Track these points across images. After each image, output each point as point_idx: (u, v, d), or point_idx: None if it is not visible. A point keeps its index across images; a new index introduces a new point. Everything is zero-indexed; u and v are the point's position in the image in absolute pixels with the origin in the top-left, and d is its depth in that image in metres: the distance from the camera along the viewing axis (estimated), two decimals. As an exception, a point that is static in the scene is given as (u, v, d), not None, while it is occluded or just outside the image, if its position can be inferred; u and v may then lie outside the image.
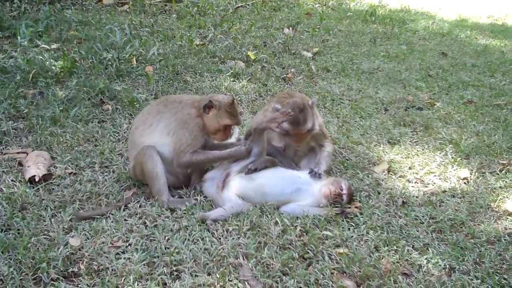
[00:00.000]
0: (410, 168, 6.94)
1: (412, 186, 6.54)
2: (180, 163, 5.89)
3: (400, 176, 6.72)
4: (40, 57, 8.97)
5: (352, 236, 5.35)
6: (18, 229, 5.18)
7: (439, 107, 9.38)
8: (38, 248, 4.87)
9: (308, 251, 5.08)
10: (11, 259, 4.72)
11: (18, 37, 9.71)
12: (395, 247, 5.25)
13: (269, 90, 9.51)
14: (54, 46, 9.93)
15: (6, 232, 5.14)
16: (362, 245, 5.25)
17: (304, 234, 5.35)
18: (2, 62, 8.70)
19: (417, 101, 9.56)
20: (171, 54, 10.44)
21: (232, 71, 10.03)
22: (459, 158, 7.23)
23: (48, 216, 5.44)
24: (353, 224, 5.58)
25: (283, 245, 5.16)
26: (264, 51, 11.53)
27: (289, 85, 9.96)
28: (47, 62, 8.86)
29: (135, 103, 8.12)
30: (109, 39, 10.07)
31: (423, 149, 7.52)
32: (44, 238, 5.05)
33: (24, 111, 7.49)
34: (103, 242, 5.06)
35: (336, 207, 5.81)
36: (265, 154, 6.08)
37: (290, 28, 13.48)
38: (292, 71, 10.67)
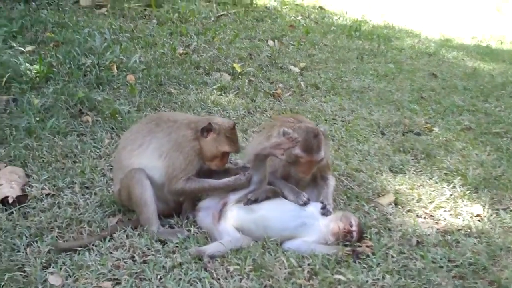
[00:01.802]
0: (417, 201, 6.43)
1: (422, 222, 6.00)
2: (171, 190, 5.28)
3: (408, 210, 6.19)
4: (14, 60, 8.28)
5: (367, 281, 4.78)
6: (-12, 262, 4.48)
7: (437, 133, 8.90)
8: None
9: (321, 298, 4.46)
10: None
11: (-10, 38, 8.97)
12: (415, 297, 4.65)
13: (258, 107, 8.96)
14: (29, 48, 9.30)
15: (-27, 264, 4.45)
16: (379, 293, 4.65)
17: (314, 276, 4.76)
18: (-28, 63, 7.94)
19: (414, 125, 9.08)
20: (154, 62, 9.85)
21: (218, 84, 9.44)
22: (468, 192, 6.73)
23: (23, 245, 4.80)
24: (366, 266, 5.02)
25: (292, 290, 4.54)
26: (250, 63, 11.01)
27: (279, 101, 9.41)
28: (22, 66, 8.20)
29: (117, 116, 7.48)
30: (88, 43, 9.48)
31: (428, 180, 7.02)
32: (20, 274, 4.38)
33: (-4, 120, 6.77)
34: (86, 281, 4.41)
35: (345, 245, 5.21)
36: (266, 183, 5.45)
37: (275, 40, 13.04)
38: (280, 87, 10.08)
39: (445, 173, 7.29)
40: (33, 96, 7.55)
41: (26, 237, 4.91)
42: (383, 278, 4.86)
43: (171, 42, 11.11)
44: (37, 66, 8.28)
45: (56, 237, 4.98)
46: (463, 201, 6.56)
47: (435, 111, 10.18)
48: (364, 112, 9.51)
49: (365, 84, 11.31)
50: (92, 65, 8.69)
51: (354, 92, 10.69)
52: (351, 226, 5.31)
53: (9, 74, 7.83)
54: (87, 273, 4.50)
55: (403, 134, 8.72)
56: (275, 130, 5.70)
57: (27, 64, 8.32)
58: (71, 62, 8.61)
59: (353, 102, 10.09)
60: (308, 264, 4.90)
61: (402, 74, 12.60)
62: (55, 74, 8.29)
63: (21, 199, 5.41)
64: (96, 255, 4.78)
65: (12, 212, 5.24)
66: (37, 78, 8.13)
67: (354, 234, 5.32)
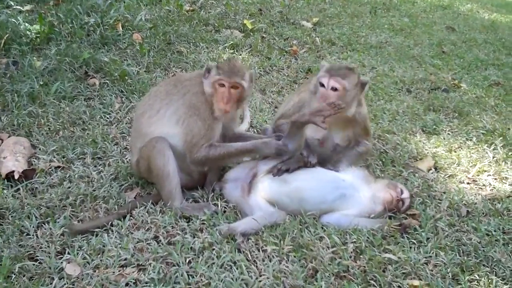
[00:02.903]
0: (458, 165, 5.88)
1: (466, 189, 5.46)
2: (194, 159, 4.72)
3: (449, 176, 5.68)
4: (12, 20, 7.64)
5: (419, 260, 4.22)
6: (-5, 248, 3.95)
7: (465, 89, 8.36)
8: (23, 280, 3.66)
9: (372, 282, 3.97)
10: (-13, 295, 3.51)
11: (-14, -5, 8.33)
12: (476, 276, 4.18)
13: (274, 65, 8.39)
14: (27, 7, 8.63)
15: (-22, 251, 3.92)
16: (435, 273, 4.12)
17: (360, 256, 4.21)
18: (-33, 24, 7.32)
19: (440, 82, 8.52)
20: (160, 20, 9.16)
21: (230, 41, 8.82)
22: (511, 153, 6.13)
23: (33, 227, 4.26)
24: (415, 242, 4.51)
25: (338, 273, 4.04)
26: (261, 19, 10.33)
27: (295, 59, 8.81)
28: (21, 26, 7.58)
29: (126, 78, 6.86)
30: (89, 0, 8.76)
31: (466, 141, 6.52)
32: (32, 263, 3.82)
33: (-4, 85, 6.20)
34: (107, 270, 3.85)
35: (389, 217, 4.69)
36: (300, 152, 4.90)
37: (284, -6, 12.29)
38: (295, 43, 9.47)
39: (483, 133, 6.77)
40: (34, 58, 6.98)
41: (36, 217, 4.38)
42: (436, 255, 4.35)
43: (176, -2, 10.42)
44: (37, 26, 7.68)
45: (70, 216, 4.45)
46: (506, 163, 6.06)
47: (459, 66, 9.69)
48: (385, 69, 8.96)
49: (382, 39, 10.74)
50: (96, 24, 8.06)
51: (372, 47, 10.13)
52: (402, 193, 4.83)
53: (7, 35, 7.24)
54: (107, 259, 3.98)
55: (430, 91, 8.19)
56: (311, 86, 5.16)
57: (26, 24, 7.72)
58: (73, 21, 7.99)
59: (372, 58, 9.54)
60: (353, 242, 4.36)
61: (418, 28, 12.08)
62: (56, 34, 7.67)
63: (27, 174, 4.87)
64: (115, 236, 4.25)
65: (18, 189, 4.71)
66: (38, 39, 7.54)
67: (407, 201, 4.86)
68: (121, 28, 8.34)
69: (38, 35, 7.53)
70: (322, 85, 4.95)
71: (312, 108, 4.75)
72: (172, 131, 4.73)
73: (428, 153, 6.12)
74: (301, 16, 11.14)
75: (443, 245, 4.46)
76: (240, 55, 8.52)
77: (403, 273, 4.11)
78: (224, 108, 4.68)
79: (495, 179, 5.73)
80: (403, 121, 6.89)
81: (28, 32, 7.51)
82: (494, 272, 4.27)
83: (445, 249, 4.41)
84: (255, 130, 6.12)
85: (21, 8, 8.26)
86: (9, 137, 5.40)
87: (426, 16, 13.32)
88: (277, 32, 9.93)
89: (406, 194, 4.85)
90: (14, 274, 3.71)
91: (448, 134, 6.65)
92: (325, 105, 4.64)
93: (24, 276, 3.74)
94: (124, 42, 7.95)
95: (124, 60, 7.50)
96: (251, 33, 9.50)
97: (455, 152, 6.21)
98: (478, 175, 5.78)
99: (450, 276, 4.14)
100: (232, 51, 8.66)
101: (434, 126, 6.81)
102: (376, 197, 4.78)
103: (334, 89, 4.90)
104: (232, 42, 8.81)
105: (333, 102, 4.62)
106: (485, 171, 5.86)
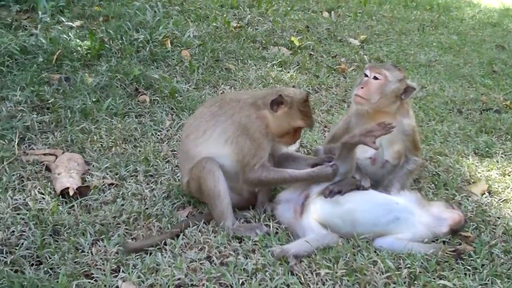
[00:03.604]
0: (512, 190, 5.74)
1: (520, 214, 5.34)
2: (247, 179, 4.70)
3: (503, 200, 5.57)
4: (64, 35, 7.76)
5: (474, 287, 4.12)
6: (52, 265, 3.98)
7: (518, 110, 8.14)
8: (81, 298, 3.69)
9: (428, 309, 3.89)
10: (45, 313, 3.53)
11: (39, 12, 8.46)
12: (533, 306, 4.04)
13: (323, 83, 8.37)
14: (77, 23, 8.76)
15: (36, 267, 3.98)
16: (491, 301, 4.05)
17: (414, 282, 4.15)
18: (21, 40, 7.47)
19: (491, 102, 8.37)
20: (208, 37, 9.19)
21: (278, 59, 8.83)
22: None
23: (88, 244, 4.29)
24: (470, 269, 4.42)
25: (393, 299, 3.96)
26: (308, 36, 10.32)
27: (344, 77, 8.77)
28: (73, 42, 7.69)
29: (176, 95, 6.90)
30: (138, 17, 8.87)
31: (519, 165, 6.31)
32: (88, 281, 3.84)
33: (50, 101, 6.35)
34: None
35: (443, 242, 4.63)
36: (352, 174, 4.87)
37: (331, 11, 12.31)
38: (343, 61, 9.44)
39: (538, 157, 6.61)
40: (86, 74, 7.06)
41: (91, 234, 4.41)
42: (492, 283, 4.26)
43: (224, 15, 10.46)
44: (88, 42, 7.78)
45: (124, 234, 4.48)
46: (561, 190, 5.90)
47: (511, 86, 9.47)
48: (435, 88, 8.85)
49: (431, 57, 10.64)
50: (145, 40, 8.15)
51: (421, 66, 10.06)
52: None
53: (59, 51, 7.34)
54: (161, 278, 3.97)
55: (481, 112, 8.06)
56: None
57: (77, 40, 7.83)
58: (123, 37, 8.09)
59: (421, 77, 9.44)
60: (407, 267, 4.29)
61: (467, 46, 11.92)
62: (106, 51, 7.76)
63: (82, 191, 4.92)
64: (169, 256, 4.26)
65: (73, 206, 4.75)
66: (88, 55, 7.64)
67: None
68: (170, 45, 8.42)
69: (89, 51, 7.62)
70: (366, 75, 5.00)
71: (363, 129, 4.73)
72: (221, 151, 4.73)
73: (481, 176, 6.02)
74: (349, 33, 11.14)
75: (499, 272, 4.37)
76: (288, 72, 8.51)
77: (459, 301, 4.03)
78: (289, 143, 4.92)
79: (551, 204, 5.59)
80: (454, 143, 6.80)
81: (79, 48, 7.61)
82: (552, 302, 4.16)
83: (501, 277, 4.32)
84: (305, 150, 6.09)
85: (72, 24, 8.38)
86: (63, 153, 5.44)
87: (475, 34, 13.12)
88: (325, 50, 9.93)
89: (462, 217, 4.78)
90: (71, 292, 3.73)
91: (502, 157, 6.53)
92: (375, 125, 4.62)
93: (79, 294, 3.75)
94: (173, 59, 8.01)
95: (174, 77, 7.56)
96: (299, 50, 9.52)
97: (509, 176, 6.10)
98: (532, 201, 5.65)
99: (507, 305, 4.04)
100: (280, 68, 8.64)
101: (487, 149, 6.70)
102: (442, 219, 4.73)
103: (376, 77, 4.91)
104: (280, 59, 8.82)
105: (383, 122, 4.60)
106: (540, 196, 5.73)
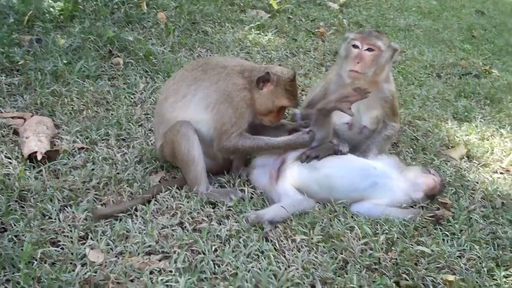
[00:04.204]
0: (491, 154, 5.72)
1: (499, 178, 5.30)
2: (222, 147, 4.57)
3: (483, 165, 5.51)
4: (36, -4, 7.50)
5: (453, 253, 4.07)
6: (17, 232, 3.83)
7: (496, 75, 8.09)
8: (45, 266, 3.54)
9: (405, 275, 3.82)
10: (8, 281, 3.40)
11: (9, -30, 8.17)
12: (512, 271, 3.97)
13: (301, 47, 8.24)
14: (50, -17, 8.43)
15: (0, 234, 3.79)
16: (469, 267, 3.97)
17: (392, 247, 4.05)
18: (-10, 0, 7.20)
19: (470, 67, 8.31)
20: (185, -1, 8.97)
21: (256, 22, 8.65)
22: (545, 143, 5.98)
23: (55, 211, 4.13)
24: (448, 234, 4.35)
25: (370, 265, 3.89)
26: (287, 0, 10.06)
27: (322, 41, 8.62)
28: (45, 3, 7.45)
29: (151, 57, 6.70)
30: (114, -23, 8.57)
31: (499, 129, 6.31)
32: (54, 249, 3.70)
33: (20, 63, 6.13)
34: (131, 256, 3.73)
35: (422, 208, 4.55)
36: (330, 140, 4.75)
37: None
38: (322, 25, 9.29)
39: (516, 121, 6.55)
40: (58, 36, 6.84)
41: (59, 200, 4.24)
42: (471, 249, 4.18)
43: (201, -24, 10.22)
44: (61, 3, 7.54)
45: (93, 200, 4.32)
46: (540, 153, 5.84)
47: (490, 51, 9.52)
48: (415, 53, 8.80)
49: (410, 22, 10.58)
50: (120, 1, 7.92)
51: (400, 30, 10.02)
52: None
53: (31, 12, 7.10)
54: (131, 246, 3.83)
55: (460, 77, 7.99)
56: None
57: (50, 0, 7.57)
58: (97, -1, 7.81)
59: (400, 41, 9.38)
60: (384, 233, 4.20)
61: (447, 11, 11.94)
62: (80, 12, 7.53)
63: (51, 155, 4.73)
64: (140, 222, 4.12)
65: (41, 171, 4.57)
66: (61, 16, 7.40)
67: (441, 187, 4.77)
68: (145, 7, 8.20)
69: (62, 12, 7.40)
70: (356, 47, 4.78)
71: (338, 94, 4.61)
72: (199, 117, 4.58)
73: (460, 141, 5.96)
74: (328, -3, 10.94)
75: (478, 238, 4.31)
76: (266, 36, 8.34)
77: (437, 267, 3.96)
78: (272, 122, 4.76)
79: (529, 169, 5.53)
80: (433, 107, 6.75)
81: (51, 9, 7.39)
82: (531, 268, 4.09)
83: (480, 243, 4.26)
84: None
85: (45, -16, 8.13)
86: (32, 116, 5.26)
87: (454, -1, 13.04)
88: (304, 13, 9.78)
89: (439, 181, 4.71)
90: (36, 260, 3.59)
91: (480, 121, 6.48)
92: (351, 90, 4.52)
93: (45, 262, 3.61)
94: (149, 21, 7.81)
95: (149, 39, 7.37)
96: (277, 14, 9.37)
97: (488, 140, 6.07)
98: (511, 165, 5.57)
99: (485, 271, 3.98)
100: (258, 31, 8.46)
101: (466, 113, 6.66)
102: (417, 184, 4.63)
103: (370, 49, 4.77)
104: (258, 22, 8.65)
105: (359, 87, 4.48)
106: (520, 161, 5.66)
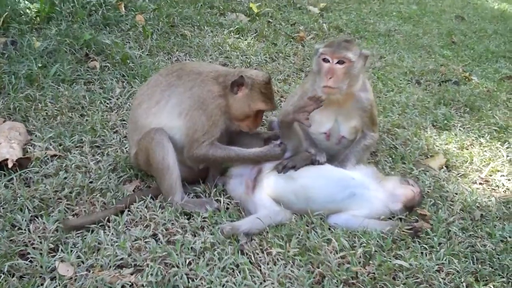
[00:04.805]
0: (470, 164, 5.66)
1: (478, 189, 5.26)
2: (192, 154, 4.50)
3: (462, 175, 5.46)
4: (12, -3, 7.37)
5: (432, 268, 4.00)
6: (-15, 244, 3.72)
7: (476, 82, 8.07)
8: (13, 280, 3.44)
9: (382, 291, 3.73)
10: (-26, 296, 3.29)
11: (-16, -30, 8.04)
12: (491, 286, 3.96)
13: (280, 51, 8.17)
14: (27, -16, 8.30)
15: (-33, 247, 3.70)
16: (448, 282, 3.92)
17: (369, 261, 3.99)
18: (-36, 1, 7.06)
19: (450, 74, 8.29)
20: (164, 1, 8.91)
21: (235, 26, 8.59)
22: (525, 153, 5.95)
23: (25, 221, 4.03)
24: (427, 247, 4.28)
25: (347, 280, 3.81)
26: (267, 3, 10.09)
27: (302, 46, 8.56)
28: (21, 4, 7.33)
29: (128, 61, 6.60)
30: (92, -21, 8.46)
31: (478, 138, 6.28)
32: (23, 262, 3.60)
33: (-7, 66, 5.95)
34: (102, 270, 3.63)
35: (400, 219, 4.49)
36: (303, 148, 4.69)
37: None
38: (302, 29, 9.23)
39: (495, 130, 6.55)
40: (34, 38, 6.72)
41: (29, 210, 4.14)
42: (449, 263, 4.12)
43: (181, -21, 10.13)
44: (37, 5, 7.43)
45: (64, 210, 4.22)
46: (520, 163, 5.80)
47: (470, 57, 9.51)
48: (394, 58, 8.76)
49: (390, 27, 10.58)
50: (98, 3, 7.82)
51: (380, 35, 9.98)
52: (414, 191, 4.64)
53: (6, 13, 6.97)
54: (103, 259, 3.74)
55: (440, 84, 7.97)
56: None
57: (26, 2, 7.45)
58: (75, 0, 7.70)
59: (380, 46, 9.36)
60: (362, 246, 4.13)
61: (427, 16, 11.94)
62: (57, 14, 7.41)
63: (22, 162, 4.64)
64: (112, 233, 4.02)
65: (12, 179, 4.47)
66: (38, 18, 7.30)
67: (420, 198, 4.72)
68: (123, 9, 8.11)
69: (38, 14, 7.29)
70: (327, 61, 4.70)
71: (295, 106, 4.55)
72: (172, 124, 4.51)
73: (439, 149, 5.92)
74: (308, 1, 11.03)
75: (457, 251, 4.24)
76: (246, 40, 8.26)
77: (415, 281, 3.89)
78: (251, 128, 4.70)
79: (508, 180, 5.52)
80: (413, 115, 6.69)
81: (28, 11, 7.27)
82: (510, 283, 4.05)
83: (459, 256, 4.19)
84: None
85: (21, -15, 8.00)
86: (4, 121, 5.15)
87: (435, 4, 13.19)
88: (284, 17, 9.73)
89: (418, 192, 4.66)
90: (3, 274, 3.49)
91: (460, 130, 6.43)
92: (307, 100, 4.43)
93: (13, 275, 3.52)
94: (127, 24, 7.73)
95: (126, 42, 7.28)
96: (257, 17, 9.31)
97: (467, 149, 6.02)
98: (491, 175, 5.58)
99: (464, 286, 3.91)
100: (237, 35, 8.39)
101: (445, 121, 6.60)
102: (395, 195, 4.57)
103: (341, 61, 4.68)
104: (237, 26, 8.58)
105: (313, 96, 4.42)
106: (498, 171, 5.66)
